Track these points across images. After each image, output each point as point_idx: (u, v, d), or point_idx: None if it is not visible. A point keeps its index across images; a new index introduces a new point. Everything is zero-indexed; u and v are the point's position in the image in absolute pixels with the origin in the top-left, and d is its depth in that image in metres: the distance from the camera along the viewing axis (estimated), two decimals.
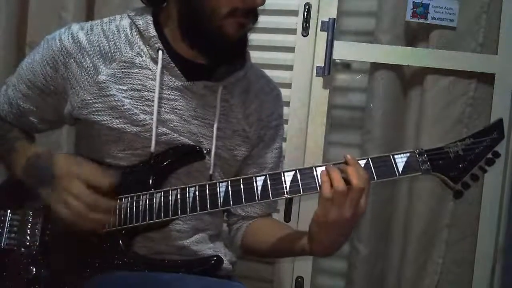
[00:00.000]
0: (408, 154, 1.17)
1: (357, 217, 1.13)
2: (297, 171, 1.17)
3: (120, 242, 1.21)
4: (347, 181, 1.11)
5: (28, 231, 1.24)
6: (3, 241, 1.24)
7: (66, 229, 1.16)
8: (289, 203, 1.87)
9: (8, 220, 1.25)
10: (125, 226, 1.20)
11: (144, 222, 1.19)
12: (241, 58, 1.32)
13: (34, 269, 1.20)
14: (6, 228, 1.25)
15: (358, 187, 1.10)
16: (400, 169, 1.16)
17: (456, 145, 1.17)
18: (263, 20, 1.89)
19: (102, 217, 1.15)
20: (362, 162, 1.16)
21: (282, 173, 1.17)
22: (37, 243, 1.23)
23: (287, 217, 1.88)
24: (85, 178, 1.15)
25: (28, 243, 1.23)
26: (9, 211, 1.27)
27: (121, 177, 1.25)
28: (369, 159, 1.16)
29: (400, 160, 1.16)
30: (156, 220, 1.19)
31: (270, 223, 1.45)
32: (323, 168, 1.15)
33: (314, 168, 1.16)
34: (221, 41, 1.21)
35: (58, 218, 1.15)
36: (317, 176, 1.15)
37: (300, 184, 1.16)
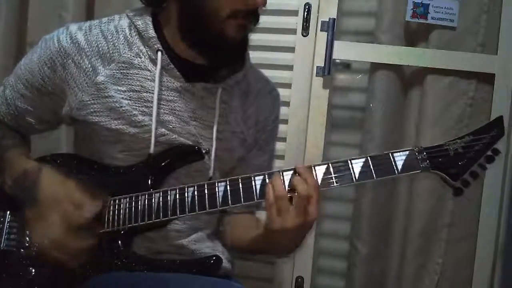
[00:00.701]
0: (407, 152, 1.16)
1: (307, 224, 1.12)
2: (295, 170, 1.16)
3: (119, 242, 1.21)
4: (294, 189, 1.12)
5: (27, 232, 1.23)
6: (2, 242, 1.23)
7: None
8: None
9: (8, 221, 1.25)
10: (124, 226, 1.20)
11: (143, 223, 1.19)
12: (241, 59, 1.32)
13: (33, 270, 1.20)
14: (6, 230, 1.24)
15: (301, 194, 1.10)
16: (399, 167, 1.15)
17: (456, 142, 1.16)
18: (263, 20, 1.88)
19: (67, 258, 1.15)
20: (361, 161, 1.15)
21: (281, 173, 1.16)
22: (37, 244, 1.23)
23: None
24: (64, 212, 1.16)
25: (27, 244, 1.22)
26: (8, 212, 1.26)
27: (121, 177, 1.25)
28: (368, 158, 1.15)
29: (399, 158, 1.15)
30: (155, 220, 1.19)
31: (248, 219, 1.43)
32: (323, 167, 1.15)
33: (313, 167, 1.16)
34: (222, 43, 1.20)
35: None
36: (316, 175, 1.15)
37: None
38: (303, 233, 1.17)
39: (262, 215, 1.50)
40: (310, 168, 1.16)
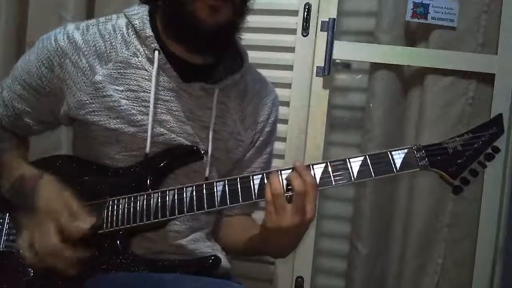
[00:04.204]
0: (405, 150, 1.16)
1: (305, 223, 1.12)
2: (294, 169, 1.15)
3: (118, 242, 1.20)
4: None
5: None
6: (1, 243, 1.23)
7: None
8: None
9: (7, 222, 1.25)
10: (123, 227, 1.20)
11: (142, 223, 1.19)
12: (223, 48, 1.29)
13: (32, 271, 1.19)
14: (5, 231, 1.24)
15: (298, 191, 1.09)
16: (398, 165, 1.15)
17: (455, 140, 1.16)
18: (263, 20, 1.90)
19: (63, 267, 1.13)
20: (360, 159, 1.15)
21: (279, 172, 1.16)
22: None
23: None
24: (59, 222, 1.13)
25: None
26: (7, 213, 1.25)
27: (119, 178, 1.25)
28: (367, 156, 1.15)
29: (398, 157, 1.15)
30: (154, 221, 1.19)
31: (244, 221, 1.44)
32: (321, 166, 1.15)
33: (311, 166, 1.15)
34: (196, 27, 1.18)
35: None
36: (314, 174, 1.15)
37: None
38: (299, 234, 1.18)
39: (259, 215, 1.52)
40: (308, 166, 1.15)
